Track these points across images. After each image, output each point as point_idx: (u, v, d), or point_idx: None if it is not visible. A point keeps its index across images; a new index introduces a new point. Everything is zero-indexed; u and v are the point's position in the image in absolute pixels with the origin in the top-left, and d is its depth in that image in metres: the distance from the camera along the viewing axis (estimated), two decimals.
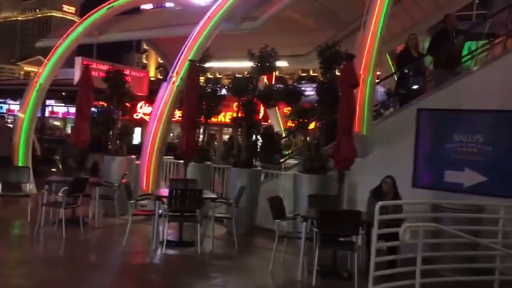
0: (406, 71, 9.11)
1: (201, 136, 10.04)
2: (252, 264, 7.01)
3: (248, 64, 9.12)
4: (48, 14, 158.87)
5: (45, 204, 7.78)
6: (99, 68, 12.30)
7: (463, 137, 7.40)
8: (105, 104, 10.15)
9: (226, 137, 20.63)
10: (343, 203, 7.49)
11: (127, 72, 11.37)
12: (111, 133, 9.80)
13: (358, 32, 8.31)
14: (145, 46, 56.84)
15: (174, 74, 9.38)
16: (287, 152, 12.02)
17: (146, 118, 16.56)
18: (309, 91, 8.66)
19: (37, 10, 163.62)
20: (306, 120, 8.44)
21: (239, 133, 9.13)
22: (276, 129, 14.15)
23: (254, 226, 8.62)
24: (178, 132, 16.20)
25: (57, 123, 24.70)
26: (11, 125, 13.79)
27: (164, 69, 14.08)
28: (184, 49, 9.48)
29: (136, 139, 14.75)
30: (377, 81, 9.06)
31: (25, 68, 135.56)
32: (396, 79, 9.89)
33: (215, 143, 12.48)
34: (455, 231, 5.14)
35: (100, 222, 8.43)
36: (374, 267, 4.78)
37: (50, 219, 7.98)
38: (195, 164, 8.97)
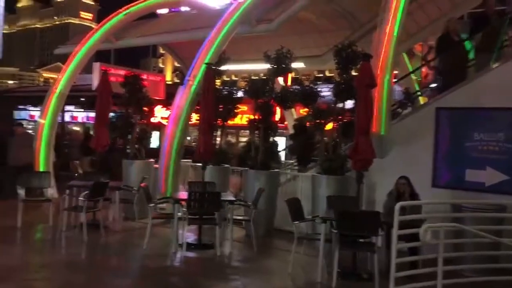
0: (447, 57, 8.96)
1: (218, 139, 10.09)
2: (271, 266, 7.01)
3: (264, 66, 9.14)
4: (66, 21, 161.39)
5: (66, 208, 7.91)
6: (117, 73, 12.45)
7: (484, 135, 7.28)
8: (123, 109, 10.27)
9: (243, 139, 20.72)
10: (362, 204, 7.44)
11: (145, 76, 11.51)
12: (129, 137, 9.91)
13: (374, 31, 8.25)
14: (161, 51, 57.36)
15: (191, 78, 9.45)
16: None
17: (164, 121, 16.71)
18: (326, 91, 8.65)
19: (55, 18, 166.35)
20: (323, 121, 8.42)
21: (256, 135, 9.15)
22: (292, 131, 14.15)
23: (272, 228, 8.62)
24: (195, 135, 16.30)
25: (76, 128, 25.05)
26: (32, 132, 14.00)
27: (181, 73, 14.19)
28: (200, 53, 9.54)
29: (154, 142, 14.89)
30: (394, 80, 8.98)
31: (44, 74, 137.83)
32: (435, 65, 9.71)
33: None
34: (476, 231, 5.07)
35: (120, 226, 8.53)
36: (395, 268, 4.74)
37: (71, 223, 8.10)
38: (212, 166, 9.01)
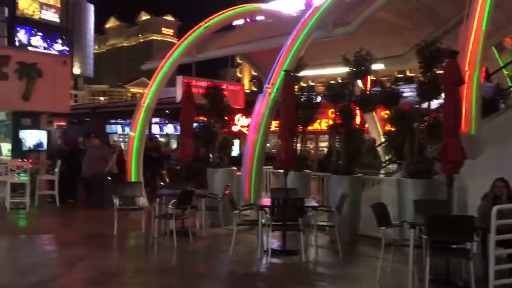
0: None
1: (299, 145, 10.09)
2: (359, 273, 6.86)
3: (341, 69, 9.04)
4: (149, 38, 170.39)
5: (157, 216, 8.32)
6: (198, 85, 12.90)
7: None
8: (205, 119, 10.61)
9: (322, 144, 20.54)
10: (454, 208, 7.07)
11: (224, 86, 11.82)
12: (212, 146, 10.22)
13: (459, 27, 7.85)
14: (238, 60, 58.63)
15: (269, 85, 9.55)
16: (387, 157, 11.65)
17: (244, 130, 17.05)
18: (408, 92, 8.37)
19: (140, 35, 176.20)
20: (407, 123, 8.12)
21: (337, 140, 9.04)
22: (373, 134, 13.80)
23: (357, 233, 8.45)
24: (275, 142, 16.44)
25: (162, 139, 26.33)
26: (123, 144, 14.82)
27: (258, 81, 14.39)
28: (278, 60, 9.62)
29: (235, 151, 15.22)
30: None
31: (131, 89, 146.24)
32: None
33: None
34: None
35: (207, 232, 8.81)
36: (494, 276, 4.45)
37: (162, 230, 8.50)
38: (294, 173, 9.03)
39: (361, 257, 7.84)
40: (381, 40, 12.01)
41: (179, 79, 13.35)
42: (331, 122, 8.91)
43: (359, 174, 8.81)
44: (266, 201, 7.68)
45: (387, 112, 8.84)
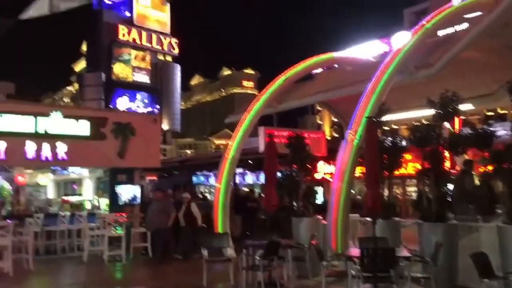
0: None
1: (386, 191, 9.76)
2: None
3: (425, 112, 8.76)
4: (231, 92, 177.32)
5: (245, 267, 8.34)
6: (280, 135, 13.11)
7: None
8: (288, 168, 10.67)
9: (409, 189, 19.64)
10: None
11: (306, 135, 11.90)
12: (295, 195, 10.20)
13: None
14: (318, 107, 58.88)
15: (352, 131, 9.46)
16: None
17: (327, 177, 16.85)
18: (501, 131, 7.89)
19: (222, 90, 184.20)
20: (504, 164, 7.59)
21: (427, 184, 8.64)
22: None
23: (456, 285, 7.86)
24: (360, 188, 16.02)
25: (245, 189, 26.72)
26: (209, 196, 15.16)
27: (339, 127, 14.32)
28: (359, 106, 9.56)
29: (319, 198, 15.01)
30: None
31: (215, 141, 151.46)
32: None
33: None
34: None
35: (295, 284, 8.65)
36: None
37: (249, 281, 8.48)
38: (382, 220, 8.70)
39: None
40: (467, 79, 11.55)
41: (261, 130, 13.65)
42: (418, 165, 8.55)
43: (454, 221, 8.29)
44: (355, 251, 7.45)
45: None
